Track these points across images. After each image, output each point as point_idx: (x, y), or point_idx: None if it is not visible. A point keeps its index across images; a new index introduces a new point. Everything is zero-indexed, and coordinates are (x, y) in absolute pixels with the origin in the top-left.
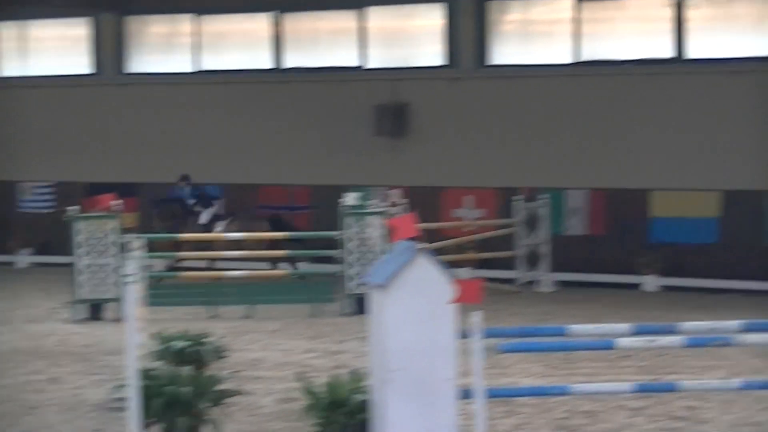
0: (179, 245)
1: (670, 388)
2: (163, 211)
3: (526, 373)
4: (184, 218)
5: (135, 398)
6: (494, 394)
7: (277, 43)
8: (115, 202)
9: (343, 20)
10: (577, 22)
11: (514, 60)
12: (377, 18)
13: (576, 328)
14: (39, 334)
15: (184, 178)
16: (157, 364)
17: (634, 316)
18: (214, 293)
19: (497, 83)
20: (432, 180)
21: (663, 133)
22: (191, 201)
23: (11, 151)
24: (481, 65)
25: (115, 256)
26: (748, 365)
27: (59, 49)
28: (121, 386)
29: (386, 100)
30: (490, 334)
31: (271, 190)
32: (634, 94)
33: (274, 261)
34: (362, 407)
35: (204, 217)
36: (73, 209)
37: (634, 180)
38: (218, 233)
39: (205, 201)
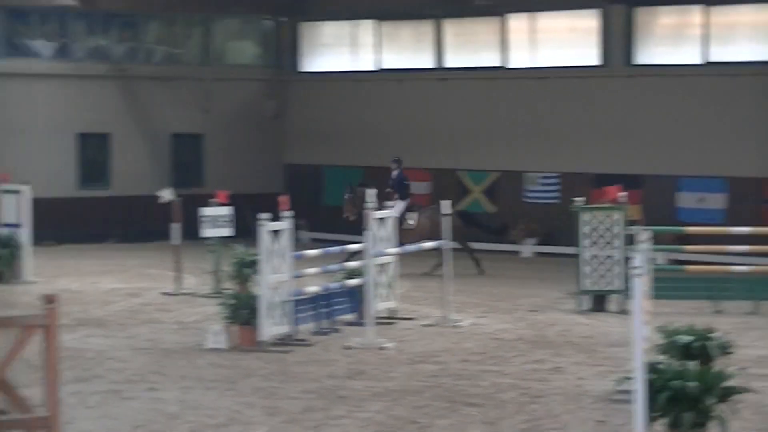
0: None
1: None
2: (353, 198)
3: None
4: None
5: (641, 391)
6: None
7: None
8: (621, 194)
9: None
10: None
11: None
12: None
13: None
14: (542, 323)
15: (396, 161)
16: (662, 357)
17: None
18: (718, 287)
19: None
20: None
21: None
22: (395, 186)
23: (520, 141)
24: None
25: (620, 248)
26: None
27: (568, 40)
28: (626, 379)
29: None
30: None
31: None
32: None
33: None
34: None
35: (396, 209)
36: (579, 200)
37: None
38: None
39: (403, 192)
